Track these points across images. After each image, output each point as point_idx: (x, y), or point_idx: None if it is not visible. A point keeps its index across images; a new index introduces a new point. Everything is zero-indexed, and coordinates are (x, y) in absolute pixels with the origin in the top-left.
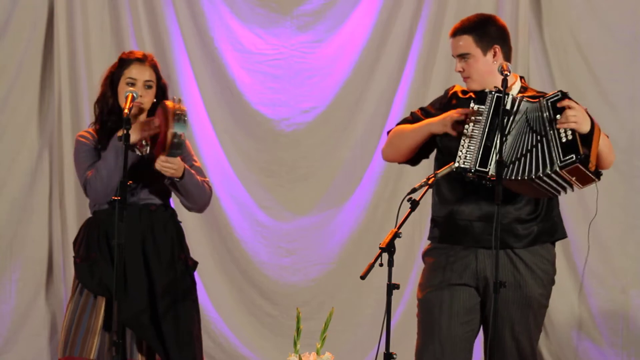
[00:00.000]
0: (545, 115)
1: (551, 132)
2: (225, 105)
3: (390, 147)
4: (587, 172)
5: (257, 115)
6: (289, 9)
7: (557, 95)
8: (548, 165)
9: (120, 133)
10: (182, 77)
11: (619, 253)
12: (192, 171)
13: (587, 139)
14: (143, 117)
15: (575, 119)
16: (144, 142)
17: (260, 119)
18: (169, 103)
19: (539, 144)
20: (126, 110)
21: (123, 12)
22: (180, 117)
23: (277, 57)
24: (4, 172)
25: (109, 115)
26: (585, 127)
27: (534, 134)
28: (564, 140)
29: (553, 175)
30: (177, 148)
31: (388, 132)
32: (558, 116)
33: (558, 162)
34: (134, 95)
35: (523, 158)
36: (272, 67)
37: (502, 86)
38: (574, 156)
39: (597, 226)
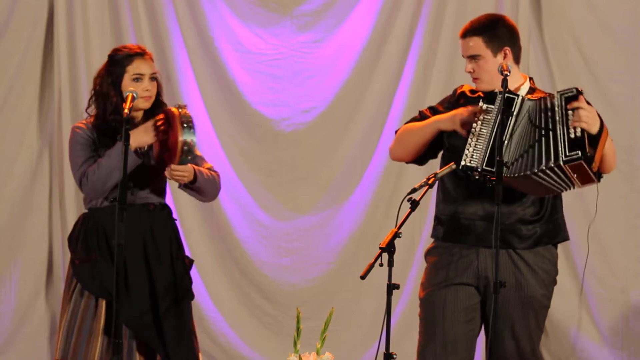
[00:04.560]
0: (556, 109)
1: (560, 127)
2: (226, 105)
3: (398, 145)
4: (589, 171)
5: (257, 115)
6: (289, 9)
7: (572, 92)
8: (552, 159)
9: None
10: (182, 77)
11: (619, 253)
12: (200, 168)
13: (595, 139)
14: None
15: (587, 119)
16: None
17: (260, 119)
18: (174, 110)
19: (543, 138)
20: (126, 110)
21: (123, 12)
22: (187, 124)
23: (277, 57)
24: (4, 172)
25: (113, 114)
26: (594, 129)
27: (537, 130)
28: (572, 136)
29: (556, 169)
30: (187, 155)
31: (396, 132)
32: (570, 112)
33: (563, 156)
34: (134, 95)
35: (526, 154)
36: (272, 67)
37: (502, 86)
38: (580, 152)
39: (597, 226)
